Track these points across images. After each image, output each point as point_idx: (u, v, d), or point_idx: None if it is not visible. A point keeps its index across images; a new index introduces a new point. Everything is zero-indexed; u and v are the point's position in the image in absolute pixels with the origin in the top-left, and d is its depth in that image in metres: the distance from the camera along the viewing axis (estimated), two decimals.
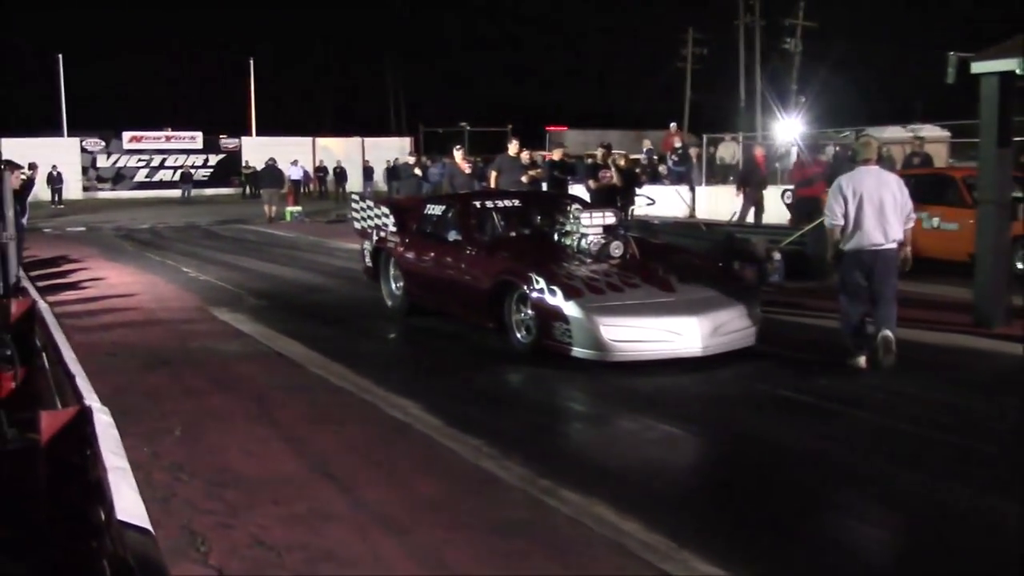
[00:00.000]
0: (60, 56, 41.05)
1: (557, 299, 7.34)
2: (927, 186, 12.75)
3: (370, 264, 10.66)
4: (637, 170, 20.03)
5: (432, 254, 9.33)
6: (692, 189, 23.22)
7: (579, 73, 65.98)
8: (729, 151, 26.20)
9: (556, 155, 17.83)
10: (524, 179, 15.58)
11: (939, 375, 7.07)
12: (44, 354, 5.80)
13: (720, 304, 7.56)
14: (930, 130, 26.71)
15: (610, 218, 8.58)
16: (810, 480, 4.96)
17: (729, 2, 47.10)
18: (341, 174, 38.29)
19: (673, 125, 27.67)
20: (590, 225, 8.42)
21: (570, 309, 7.24)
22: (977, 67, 8.20)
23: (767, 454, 5.35)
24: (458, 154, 15.67)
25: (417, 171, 16.19)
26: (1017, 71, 7.78)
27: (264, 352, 8.21)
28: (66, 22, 54.72)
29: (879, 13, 52.40)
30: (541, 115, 47.54)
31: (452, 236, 9.07)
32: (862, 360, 7.13)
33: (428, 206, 10.03)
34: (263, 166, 28.40)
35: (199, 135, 42.46)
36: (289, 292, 11.92)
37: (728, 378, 7.04)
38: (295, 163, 35.25)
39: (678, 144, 25.07)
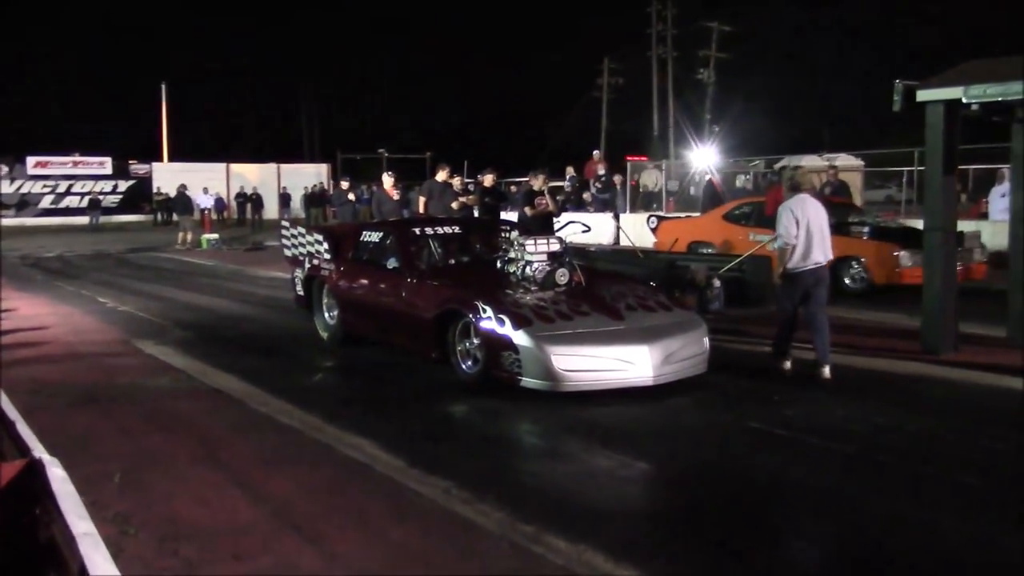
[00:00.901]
0: None
1: (505, 328, 7.13)
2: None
3: (302, 293, 10.32)
4: (559, 197, 20.00)
5: (370, 282, 9.06)
6: (616, 216, 23.29)
7: (494, 102, 66.26)
8: (652, 178, 26.44)
9: (487, 181, 17.73)
10: (455, 205, 15.39)
11: (909, 405, 6.98)
12: None
13: (670, 332, 7.45)
14: (844, 159, 27.36)
15: (555, 245, 8.42)
16: (812, 518, 4.85)
17: (645, 33, 47.80)
18: (257, 201, 37.54)
19: (596, 153, 27.81)
20: (535, 252, 8.25)
21: (519, 338, 7.04)
22: (923, 95, 8.28)
23: (757, 491, 5.17)
24: (387, 180, 15.37)
25: (351, 197, 15.79)
26: (963, 99, 7.89)
27: (198, 388, 7.82)
28: None
29: (790, 45, 53.73)
30: (457, 144, 47.54)
31: (391, 263, 8.80)
32: (788, 364, 7.97)
33: (364, 233, 9.74)
34: (175, 193, 27.74)
35: (108, 160, 41.32)
36: (216, 323, 11.47)
37: (686, 408, 6.91)
38: (205, 191, 34.48)
39: (601, 171, 25.16)
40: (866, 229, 13.32)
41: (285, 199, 38.64)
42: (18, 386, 7.59)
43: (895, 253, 12.47)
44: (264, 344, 9.98)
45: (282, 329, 10.86)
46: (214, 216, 35.50)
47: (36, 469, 3.11)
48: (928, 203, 8.69)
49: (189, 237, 25.53)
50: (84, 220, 37.41)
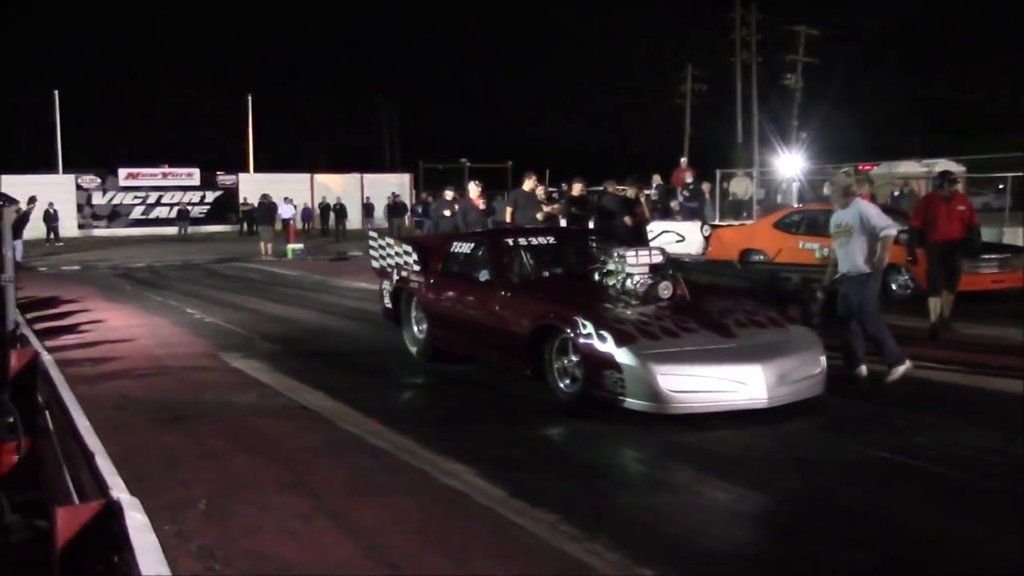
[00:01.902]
0: (56, 92, 40.60)
1: (607, 345, 6.70)
2: (820, 220, 13.62)
3: (390, 305, 10.02)
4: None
5: (461, 295, 8.70)
6: (704, 225, 22.63)
7: (576, 109, 65.93)
8: (742, 187, 25.71)
9: (576, 190, 17.31)
10: (540, 216, 15.02)
11: None
12: (48, 412, 5.16)
13: (784, 350, 6.94)
14: (945, 164, 26.25)
15: (657, 257, 7.96)
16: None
17: (729, 39, 46.89)
18: (341, 211, 37.69)
19: (684, 160, 27.21)
20: (636, 264, 7.80)
21: (622, 356, 6.60)
22: None
23: (896, 534, 4.67)
24: (474, 190, 15.01)
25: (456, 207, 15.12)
26: None
27: (286, 405, 7.54)
28: (61, 56, 54.53)
29: (876, 51, 52.32)
30: (540, 153, 47.25)
31: (483, 276, 8.41)
32: (864, 369, 7.92)
33: (455, 244, 9.40)
34: (258, 203, 27.92)
35: (196, 171, 41.96)
36: (302, 335, 11.25)
37: (804, 434, 6.40)
38: (287, 200, 34.68)
39: (689, 179, 24.52)
40: (905, 236, 12.88)
41: (369, 209, 38.69)
42: (104, 401, 7.44)
43: None
44: (352, 359, 9.70)
45: (369, 343, 10.58)
46: (299, 226, 35.70)
47: (114, 511, 2.79)
48: None
49: (270, 247, 25.60)
50: (173, 231, 37.99)
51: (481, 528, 4.64)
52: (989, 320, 10.70)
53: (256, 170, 44.20)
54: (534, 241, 8.81)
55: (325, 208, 39.00)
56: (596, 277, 8.05)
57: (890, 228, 7.83)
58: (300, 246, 26.32)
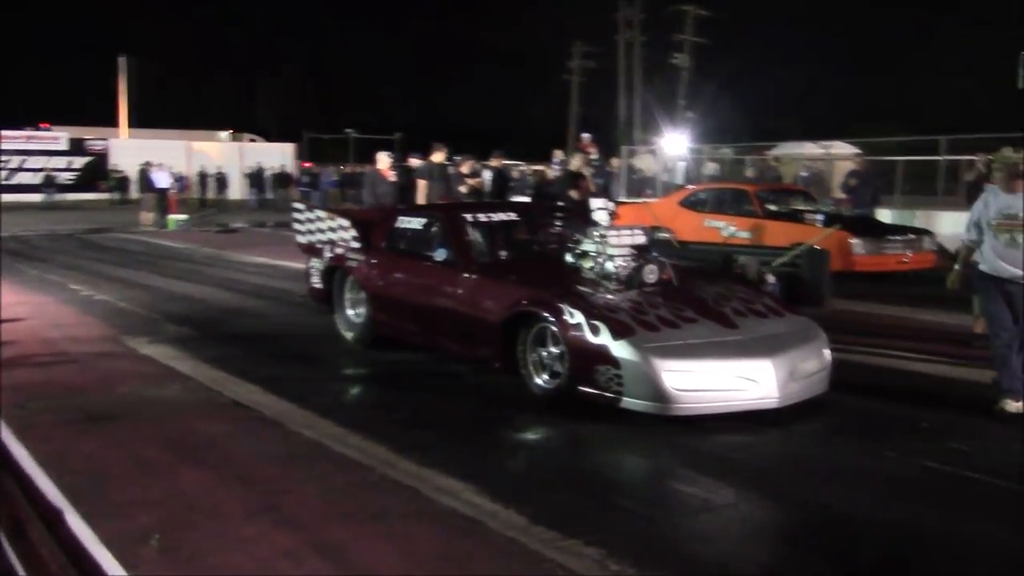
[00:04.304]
0: None
1: (601, 337, 5.90)
2: (727, 199, 14.78)
3: (320, 286, 8.97)
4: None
5: (412, 276, 7.77)
6: (612, 201, 22.04)
7: (466, 82, 64.90)
8: (646, 163, 25.27)
9: (494, 164, 16.55)
10: (463, 189, 14.19)
11: None
12: None
13: (791, 342, 6.28)
14: (841, 147, 26.44)
15: (640, 237, 7.19)
16: None
17: (614, 16, 46.54)
18: (222, 180, 35.75)
19: (587, 136, 26.42)
20: (618, 245, 7.00)
21: (620, 350, 5.82)
22: None
23: (959, 554, 4.04)
24: (384, 160, 13.98)
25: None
26: None
27: (218, 402, 6.49)
28: None
29: (766, 33, 52.99)
30: (422, 126, 46.02)
31: (440, 255, 7.46)
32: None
33: (401, 218, 8.42)
34: (139, 170, 26.06)
35: (64, 135, 39.13)
36: (213, 317, 10.08)
37: (823, 438, 5.76)
38: (160, 166, 32.34)
39: (594, 155, 23.90)
40: (820, 217, 13.26)
41: (255, 179, 36.64)
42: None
43: (850, 241, 12.43)
44: (279, 345, 8.64)
45: (295, 326, 9.51)
46: (179, 196, 33.60)
47: None
48: None
49: (151, 217, 23.93)
50: (38, 198, 35.23)
51: (515, 566, 3.79)
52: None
53: (130, 136, 41.61)
54: (495, 217, 7.93)
55: (204, 177, 36.93)
56: (570, 259, 7.22)
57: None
58: (184, 217, 24.67)
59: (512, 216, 8.16)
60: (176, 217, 24.39)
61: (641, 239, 7.16)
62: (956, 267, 6.39)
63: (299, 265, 10.46)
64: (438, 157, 13.86)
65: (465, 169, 14.58)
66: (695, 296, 6.67)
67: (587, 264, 7.07)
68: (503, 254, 7.59)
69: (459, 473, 4.87)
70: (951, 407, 6.38)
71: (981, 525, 4.33)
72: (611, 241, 6.97)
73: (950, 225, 15.53)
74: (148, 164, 26.30)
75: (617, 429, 5.76)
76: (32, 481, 4.56)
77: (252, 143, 43.71)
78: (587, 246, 7.13)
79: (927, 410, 6.29)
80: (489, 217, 7.88)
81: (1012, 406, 6.08)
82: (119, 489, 4.62)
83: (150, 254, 17.68)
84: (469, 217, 7.76)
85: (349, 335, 8.51)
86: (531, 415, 6.15)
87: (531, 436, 5.92)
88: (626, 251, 7.00)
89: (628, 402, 5.82)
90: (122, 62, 41.52)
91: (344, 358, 8.03)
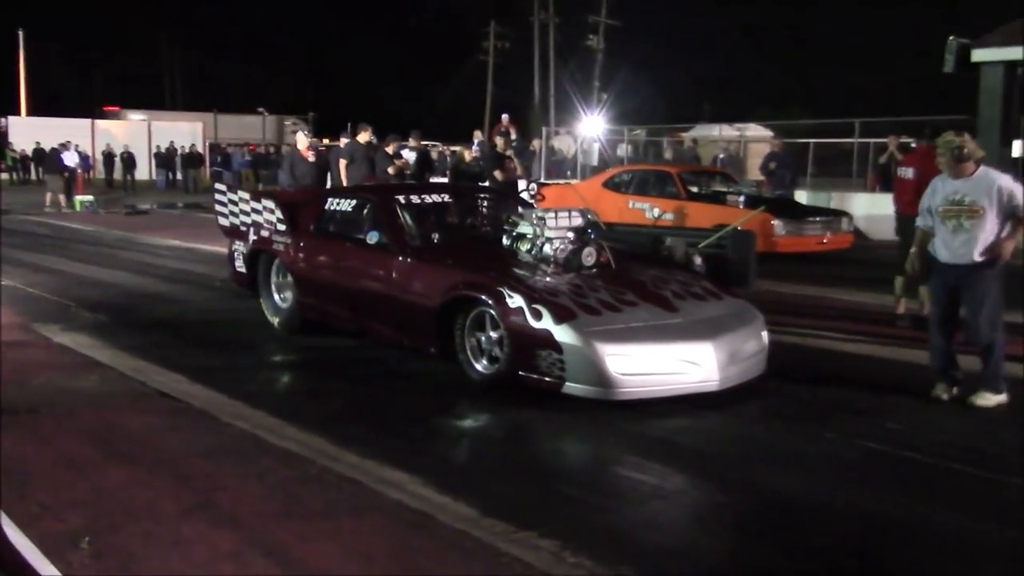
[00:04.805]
0: None
1: (544, 322, 5.79)
2: (650, 180, 14.94)
3: (244, 270, 8.67)
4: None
5: (342, 260, 7.54)
6: (531, 183, 21.95)
7: (379, 63, 64.03)
8: (565, 144, 25.25)
9: (412, 144, 16.33)
10: (391, 170, 13.91)
11: None
12: None
13: (730, 325, 6.27)
14: (755, 129, 26.83)
15: (577, 219, 7.08)
16: None
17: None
18: (129, 160, 34.50)
19: (505, 117, 26.36)
20: (555, 227, 6.89)
21: (562, 334, 5.72)
22: (980, 55, 7.31)
23: (913, 535, 4.05)
24: (303, 140, 13.63)
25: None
26: None
27: (140, 392, 6.20)
28: None
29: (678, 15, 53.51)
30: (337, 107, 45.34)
31: (372, 239, 7.23)
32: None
33: (330, 200, 8.16)
34: (49, 150, 25.05)
35: None
36: (129, 303, 9.67)
37: (763, 421, 5.74)
38: (71, 146, 31.18)
39: (513, 136, 23.77)
40: (741, 198, 13.46)
41: (164, 159, 35.48)
42: None
43: (771, 222, 12.66)
44: (202, 331, 8.33)
45: (216, 312, 9.19)
46: (85, 176, 32.41)
47: None
48: None
49: (61, 199, 23.00)
50: None
51: (472, 562, 3.65)
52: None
53: (29, 113, 39.98)
54: (429, 199, 7.74)
55: (109, 157, 35.63)
56: (507, 241, 7.09)
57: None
58: (90, 198, 23.77)
59: (446, 198, 7.98)
60: (82, 198, 23.50)
61: (579, 221, 7.06)
62: (913, 250, 6.41)
63: (216, 248, 10.13)
64: (363, 137, 13.61)
65: (390, 150, 14.31)
66: (634, 279, 6.61)
67: (524, 247, 6.94)
68: (438, 237, 7.41)
69: (403, 465, 4.71)
70: (883, 387, 6.43)
71: (925, 505, 4.34)
72: (548, 223, 6.86)
73: (863, 207, 15.91)
74: (62, 145, 25.36)
75: (560, 415, 5.67)
76: None
77: (161, 122, 42.28)
78: (524, 228, 7.01)
79: (860, 390, 6.34)
80: (423, 199, 7.68)
81: (942, 389, 6.14)
82: (43, 488, 4.34)
83: (57, 237, 16.99)
84: (402, 199, 7.55)
85: (275, 320, 8.25)
86: (470, 402, 6.03)
87: (473, 424, 5.78)
88: (564, 233, 6.89)
89: (571, 387, 5.73)
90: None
91: (271, 344, 7.78)
